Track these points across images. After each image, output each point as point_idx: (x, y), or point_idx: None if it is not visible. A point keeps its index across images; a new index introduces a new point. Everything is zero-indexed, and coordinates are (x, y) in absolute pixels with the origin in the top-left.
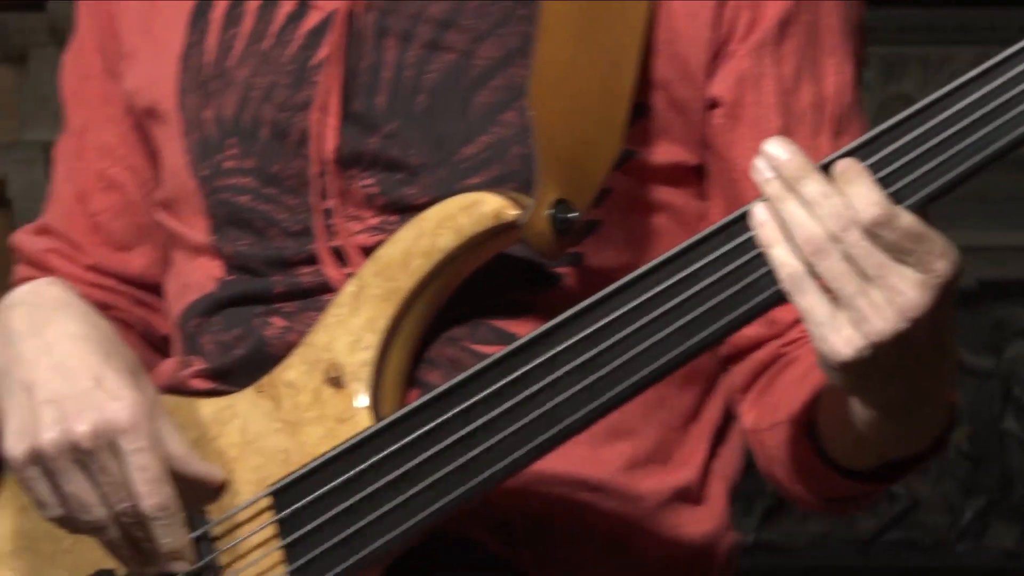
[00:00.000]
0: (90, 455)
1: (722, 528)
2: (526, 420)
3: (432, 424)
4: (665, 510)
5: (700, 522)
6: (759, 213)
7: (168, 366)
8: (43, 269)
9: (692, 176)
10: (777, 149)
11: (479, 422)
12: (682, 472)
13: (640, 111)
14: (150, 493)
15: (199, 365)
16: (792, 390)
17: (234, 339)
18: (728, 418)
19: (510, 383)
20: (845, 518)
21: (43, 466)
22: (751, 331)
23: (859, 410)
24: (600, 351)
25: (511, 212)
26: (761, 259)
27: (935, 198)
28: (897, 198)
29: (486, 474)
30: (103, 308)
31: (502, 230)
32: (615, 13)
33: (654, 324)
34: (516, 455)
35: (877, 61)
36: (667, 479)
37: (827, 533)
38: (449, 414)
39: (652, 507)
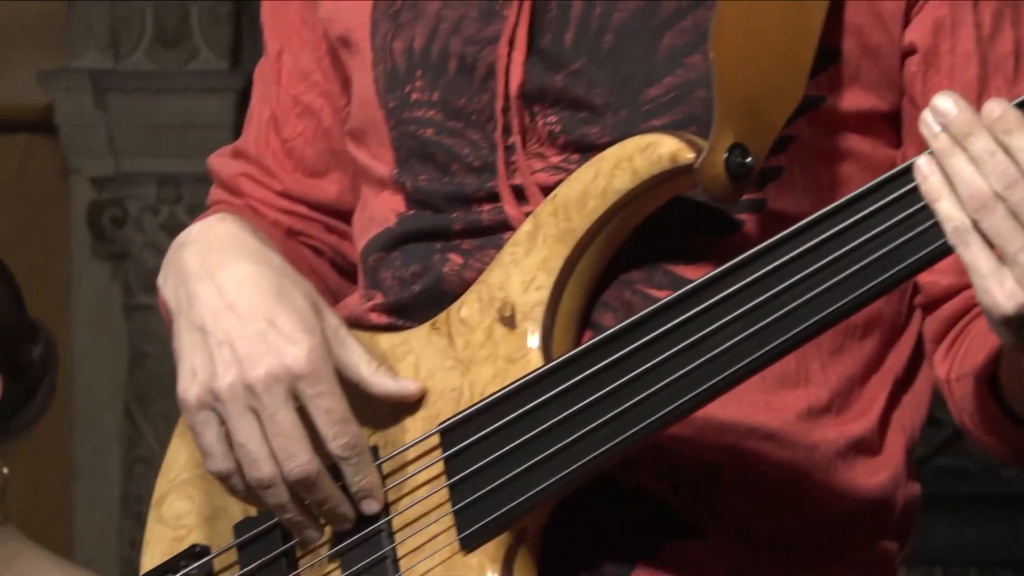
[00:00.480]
0: (263, 402)
1: (899, 480)
2: (696, 364)
3: (602, 366)
4: (840, 461)
5: (876, 474)
6: (923, 167)
7: (352, 298)
8: (235, 193)
9: (883, 123)
10: (946, 103)
11: (649, 365)
12: (859, 423)
13: (830, 56)
14: (338, 434)
15: (378, 299)
16: (978, 342)
17: (412, 275)
18: (912, 368)
19: (681, 326)
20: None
21: (215, 411)
22: (945, 281)
23: None
24: (770, 296)
25: (687, 155)
26: (929, 211)
27: None
28: None
29: (653, 418)
30: (293, 235)
31: (678, 173)
32: None
33: (824, 272)
34: (684, 400)
35: None
36: (843, 429)
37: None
38: (619, 356)
39: (826, 458)
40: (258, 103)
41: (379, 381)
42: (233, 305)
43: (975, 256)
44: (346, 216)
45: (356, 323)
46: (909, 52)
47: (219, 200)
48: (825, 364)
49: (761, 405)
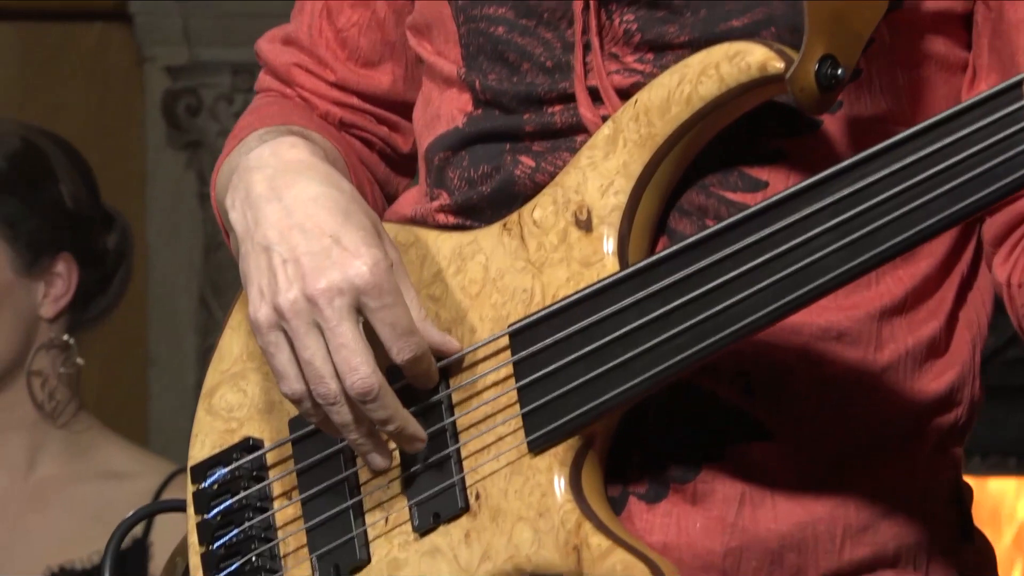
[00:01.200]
0: (326, 315)
1: (966, 379)
2: (776, 277)
3: (682, 275)
4: (909, 361)
5: (943, 373)
6: None
7: (412, 195)
8: (287, 83)
9: (958, 24)
10: None
11: (730, 276)
12: (930, 323)
13: None
14: (405, 346)
15: (445, 199)
16: None
17: (481, 176)
18: (975, 263)
19: (766, 238)
20: None
21: (284, 330)
22: None
23: None
24: (859, 212)
25: (777, 64)
26: None
27: None
28: None
29: (729, 331)
30: (345, 127)
31: (767, 82)
32: None
33: (917, 188)
34: (763, 313)
35: None
36: (914, 329)
37: None
38: (700, 265)
39: (896, 358)
40: None
41: (426, 329)
42: (299, 224)
43: None
44: (398, 107)
45: (420, 222)
46: None
47: (269, 88)
48: (898, 264)
49: (833, 306)
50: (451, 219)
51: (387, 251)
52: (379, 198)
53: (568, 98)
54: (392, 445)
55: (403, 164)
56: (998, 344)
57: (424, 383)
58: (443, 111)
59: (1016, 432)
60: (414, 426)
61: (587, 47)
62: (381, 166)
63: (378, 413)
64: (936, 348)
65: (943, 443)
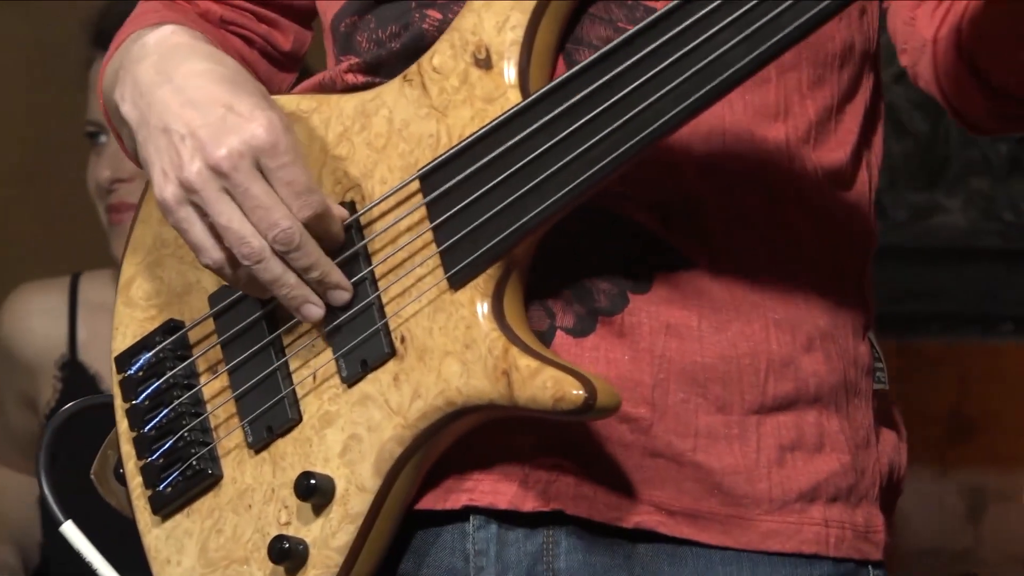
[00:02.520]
0: (233, 181)
1: (871, 217)
2: (681, 79)
3: (585, 92)
4: (819, 190)
5: (851, 207)
6: None
7: (316, 76)
8: None
9: None
10: None
11: (632, 85)
12: (836, 153)
13: None
14: (304, 204)
15: (352, 60)
16: None
17: (390, 36)
18: (876, 103)
19: (665, 43)
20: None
21: (193, 203)
22: None
23: None
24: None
25: None
26: None
27: None
28: None
29: (638, 137)
30: (225, 24)
31: None
32: None
33: None
34: (669, 115)
35: None
36: (822, 159)
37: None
38: (603, 80)
39: (806, 187)
40: None
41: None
42: (192, 99)
43: None
44: (277, 6)
45: (329, 85)
46: None
47: None
48: (804, 96)
49: (745, 138)
50: (360, 78)
51: (281, 116)
52: None
53: None
54: None
55: (284, 62)
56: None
57: (328, 242)
58: None
59: None
60: (337, 273)
61: None
62: (263, 63)
63: (302, 261)
64: (843, 180)
65: (854, 276)
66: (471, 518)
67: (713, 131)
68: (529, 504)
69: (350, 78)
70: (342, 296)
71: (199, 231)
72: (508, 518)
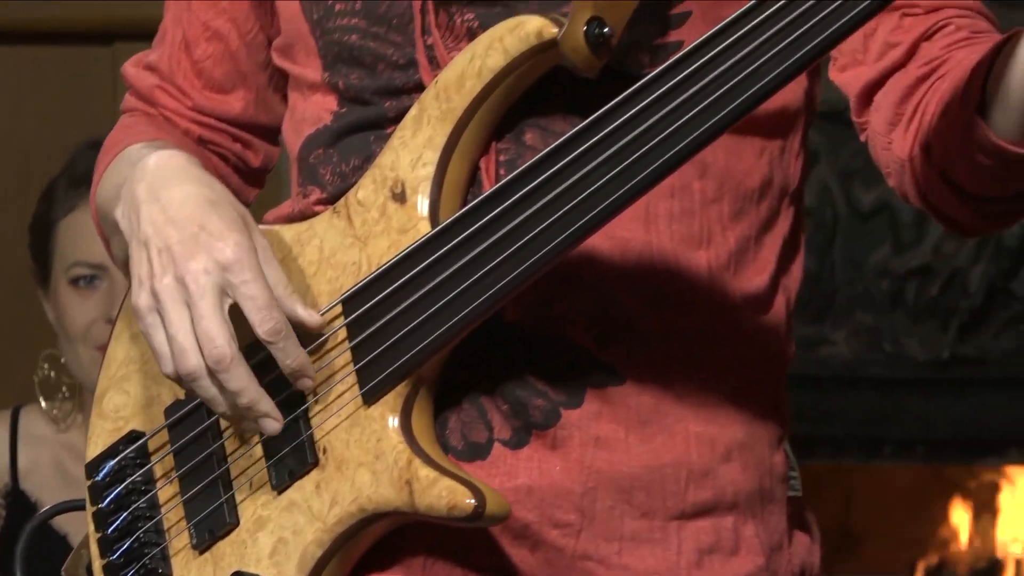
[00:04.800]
0: (191, 293)
1: (787, 337)
2: (558, 215)
3: (478, 225)
4: (739, 314)
5: (768, 329)
6: None
7: (287, 205)
8: (150, 103)
9: None
10: None
11: (517, 220)
12: (755, 280)
13: None
14: (263, 320)
15: (319, 194)
16: (952, 95)
17: (352, 169)
18: (795, 234)
19: (548, 180)
20: None
21: (159, 313)
22: (874, 69)
23: None
24: (629, 141)
25: (552, 30)
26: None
27: None
28: None
29: (524, 266)
30: (203, 143)
31: (545, 48)
32: None
33: (669, 119)
34: (549, 247)
35: None
36: (742, 283)
37: (1019, 347)
38: (493, 214)
39: (728, 310)
40: (171, 25)
41: (290, 306)
42: (172, 218)
43: None
44: (249, 128)
45: (298, 217)
46: None
47: (135, 108)
48: (725, 227)
49: (671, 264)
50: (325, 209)
51: (253, 238)
52: None
53: (423, 87)
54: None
55: (253, 177)
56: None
57: (287, 357)
58: (309, 114)
59: None
60: (267, 403)
61: (433, 46)
62: (235, 178)
63: (231, 384)
64: (760, 302)
65: (770, 392)
66: None
67: (643, 257)
68: None
69: (319, 209)
70: (271, 425)
71: (160, 339)
72: None
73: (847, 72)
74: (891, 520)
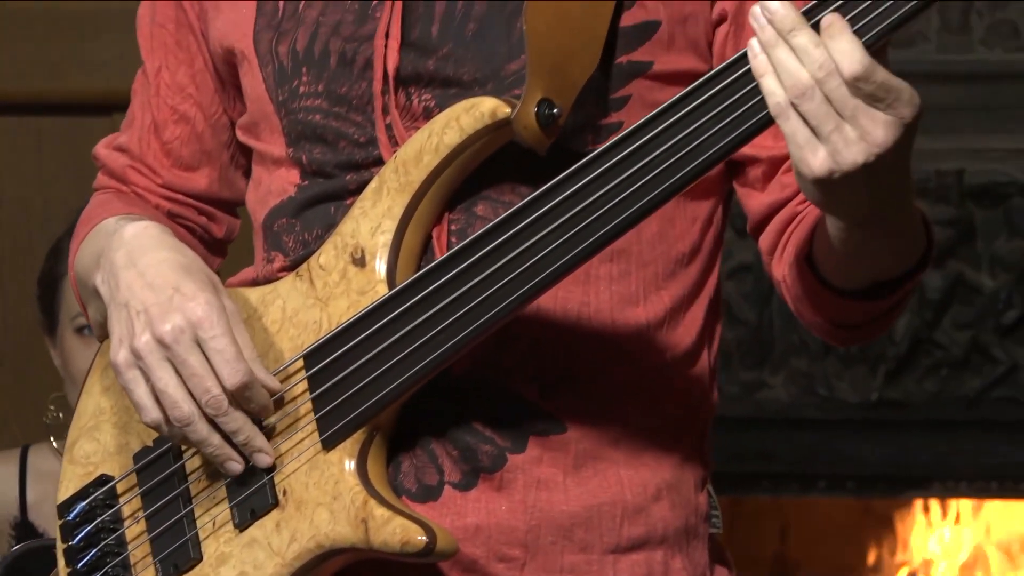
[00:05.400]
0: (174, 352)
1: (711, 389)
2: (506, 280)
3: (433, 287)
4: (670, 367)
5: (695, 381)
6: (754, 45)
7: (249, 271)
8: (123, 181)
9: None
10: (772, 3)
11: (467, 286)
12: (685, 337)
13: (652, 28)
14: (231, 372)
15: (280, 262)
16: (796, 235)
17: (315, 238)
18: (718, 297)
19: (501, 244)
20: (956, 381)
21: (140, 368)
22: (772, 196)
23: (834, 225)
24: (602, 193)
25: (505, 110)
26: (754, 91)
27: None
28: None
29: (470, 329)
30: (172, 217)
31: (498, 126)
32: None
33: (610, 193)
34: (496, 310)
35: None
36: (674, 339)
37: (939, 392)
38: (447, 277)
39: (660, 364)
40: (139, 110)
41: (255, 368)
42: (150, 282)
43: (794, 128)
44: (214, 203)
45: (264, 282)
46: (720, 21)
47: (107, 186)
48: (660, 287)
49: (608, 322)
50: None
51: (223, 299)
52: None
53: (382, 162)
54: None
55: (217, 247)
56: (985, 385)
57: (256, 412)
58: (274, 187)
59: (999, 460)
60: (260, 439)
61: (391, 125)
62: (200, 247)
63: (230, 425)
64: (689, 357)
65: (696, 439)
66: None
67: (583, 316)
68: None
69: (281, 275)
70: (264, 459)
71: (142, 392)
72: None
73: (749, 193)
74: (824, 549)
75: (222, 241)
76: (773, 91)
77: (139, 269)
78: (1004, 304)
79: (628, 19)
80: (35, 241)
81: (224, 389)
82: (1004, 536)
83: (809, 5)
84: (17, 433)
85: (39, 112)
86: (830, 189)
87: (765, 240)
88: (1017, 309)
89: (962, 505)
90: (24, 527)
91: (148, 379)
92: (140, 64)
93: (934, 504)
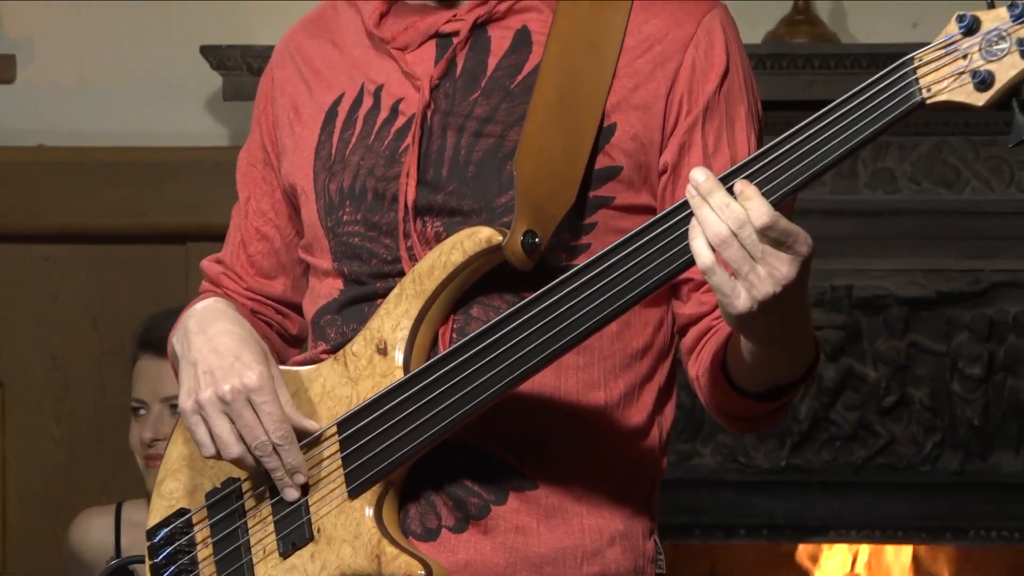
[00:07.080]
0: (231, 406)
1: (660, 457)
2: (492, 372)
3: (439, 373)
4: (625, 441)
5: (646, 452)
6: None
7: (303, 355)
8: (217, 285)
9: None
10: (698, 174)
11: (471, 369)
12: (638, 416)
13: (615, 171)
14: (275, 429)
15: (324, 347)
16: (711, 346)
17: (351, 330)
18: (669, 384)
19: (493, 341)
20: (847, 451)
21: (201, 416)
22: (692, 310)
23: (747, 344)
24: (573, 304)
25: (498, 237)
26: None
27: (794, 192)
28: (767, 194)
29: (466, 407)
30: (255, 314)
31: (493, 250)
32: (582, 106)
33: (612, 281)
34: (486, 394)
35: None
36: (629, 418)
37: (834, 459)
38: (450, 366)
39: (617, 438)
40: (233, 230)
41: (295, 417)
42: (215, 348)
43: (720, 281)
44: (289, 305)
45: (311, 361)
46: (663, 171)
47: (207, 289)
48: (617, 376)
49: (574, 403)
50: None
51: (271, 368)
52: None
53: (403, 273)
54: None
55: (292, 341)
56: (870, 454)
57: (289, 456)
58: (322, 292)
59: (881, 513)
60: (289, 478)
61: (412, 246)
62: (278, 340)
63: (270, 464)
64: (642, 433)
65: (645, 497)
66: None
67: (554, 398)
68: None
69: (323, 357)
70: (291, 494)
71: (203, 433)
72: None
73: (677, 304)
74: None
75: (296, 337)
76: (701, 253)
77: (208, 335)
78: (884, 391)
79: (598, 163)
80: (122, 343)
81: (269, 439)
82: (885, 573)
83: (726, 172)
84: (114, 496)
85: (123, 241)
86: (749, 321)
87: (685, 343)
88: (895, 395)
89: (853, 548)
90: (120, 570)
91: (207, 424)
92: (203, 201)
93: (828, 548)
